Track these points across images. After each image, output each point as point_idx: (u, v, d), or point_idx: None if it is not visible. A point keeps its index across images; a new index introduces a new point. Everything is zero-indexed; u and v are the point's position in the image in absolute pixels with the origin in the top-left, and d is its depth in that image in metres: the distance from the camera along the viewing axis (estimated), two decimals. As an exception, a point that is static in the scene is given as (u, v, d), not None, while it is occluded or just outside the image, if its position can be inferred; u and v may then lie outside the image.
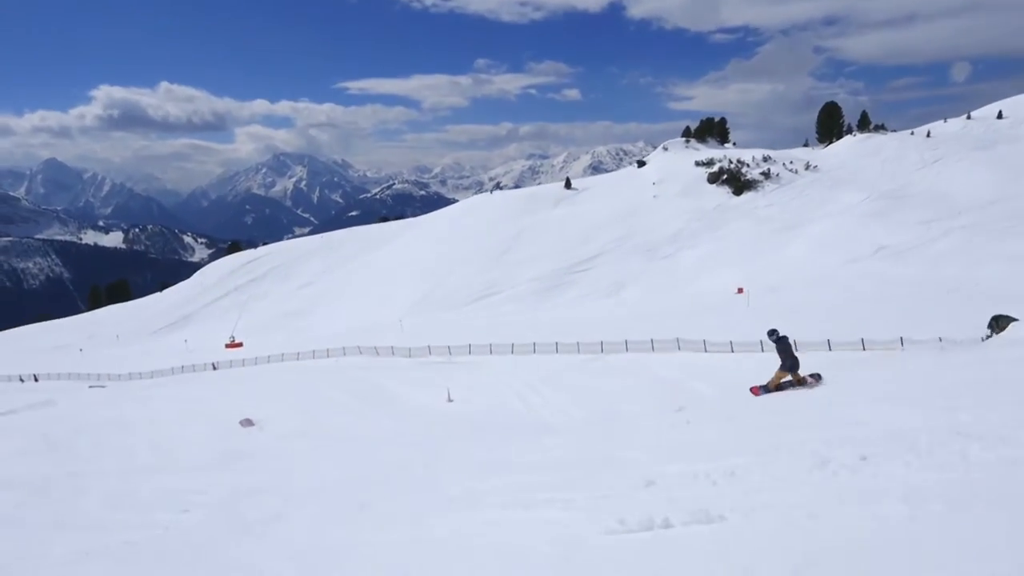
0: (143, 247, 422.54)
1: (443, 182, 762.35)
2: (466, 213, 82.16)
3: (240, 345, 49.91)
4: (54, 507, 9.84)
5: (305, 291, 72.37)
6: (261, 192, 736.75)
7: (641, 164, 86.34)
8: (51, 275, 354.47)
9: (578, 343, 31.61)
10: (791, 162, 75.84)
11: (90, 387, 41.92)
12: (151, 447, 16.99)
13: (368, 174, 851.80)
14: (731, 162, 77.16)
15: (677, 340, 28.85)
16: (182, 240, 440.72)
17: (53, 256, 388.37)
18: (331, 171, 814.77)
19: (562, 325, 37.74)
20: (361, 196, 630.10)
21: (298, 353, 39.67)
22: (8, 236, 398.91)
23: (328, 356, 37.02)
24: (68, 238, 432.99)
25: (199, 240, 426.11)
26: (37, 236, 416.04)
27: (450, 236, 73.93)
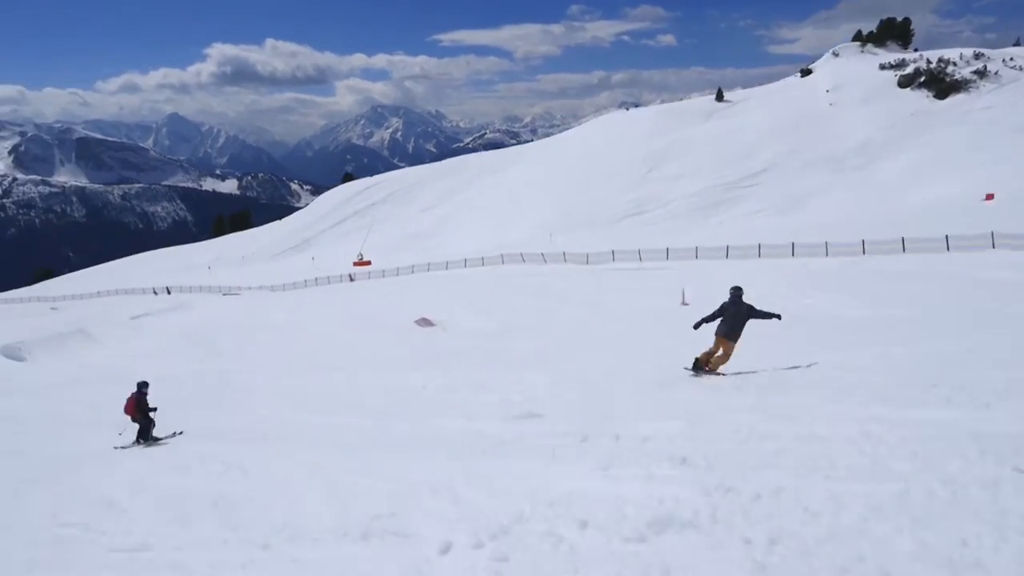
0: (255, 193, 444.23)
1: (534, 131, 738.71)
2: (597, 132, 73.81)
3: (369, 263, 46.76)
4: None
5: (427, 215, 67.88)
6: (360, 142, 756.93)
7: (806, 72, 73.44)
8: (176, 218, 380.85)
9: (826, 243, 24.32)
10: (1010, 58, 61.12)
11: (224, 295, 38.88)
12: (334, 348, 14.63)
13: (460, 124, 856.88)
14: (929, 62, 63.35)
15: (991, 234, 20.49)
16: (289, 187, 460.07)
17: (177, 200, 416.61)
18: (425, 122, 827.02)
19: (755, 236, 29.55)
20: (454, 145, 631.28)
21: (447, 262, 34.87)
22: (139, 183, 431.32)
23: (483, 264, 32.28)
24: (190, 185, 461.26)
25: (304, 187, 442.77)
26: (163, 183, 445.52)
27: (583, 155, 66.23)
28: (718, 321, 8.01)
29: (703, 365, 8.20)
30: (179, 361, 17.18)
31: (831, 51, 76.30)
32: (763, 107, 67.02)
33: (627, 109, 78.45)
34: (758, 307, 8.05)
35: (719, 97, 72.34)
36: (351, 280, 40.87)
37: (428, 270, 36.07)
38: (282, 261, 64.01)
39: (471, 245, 51.15)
